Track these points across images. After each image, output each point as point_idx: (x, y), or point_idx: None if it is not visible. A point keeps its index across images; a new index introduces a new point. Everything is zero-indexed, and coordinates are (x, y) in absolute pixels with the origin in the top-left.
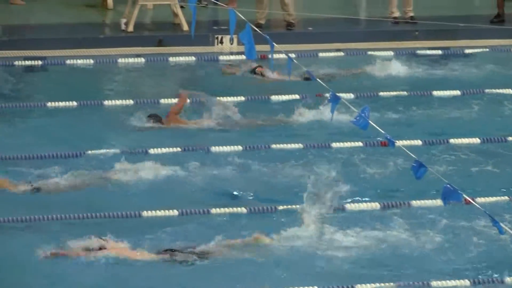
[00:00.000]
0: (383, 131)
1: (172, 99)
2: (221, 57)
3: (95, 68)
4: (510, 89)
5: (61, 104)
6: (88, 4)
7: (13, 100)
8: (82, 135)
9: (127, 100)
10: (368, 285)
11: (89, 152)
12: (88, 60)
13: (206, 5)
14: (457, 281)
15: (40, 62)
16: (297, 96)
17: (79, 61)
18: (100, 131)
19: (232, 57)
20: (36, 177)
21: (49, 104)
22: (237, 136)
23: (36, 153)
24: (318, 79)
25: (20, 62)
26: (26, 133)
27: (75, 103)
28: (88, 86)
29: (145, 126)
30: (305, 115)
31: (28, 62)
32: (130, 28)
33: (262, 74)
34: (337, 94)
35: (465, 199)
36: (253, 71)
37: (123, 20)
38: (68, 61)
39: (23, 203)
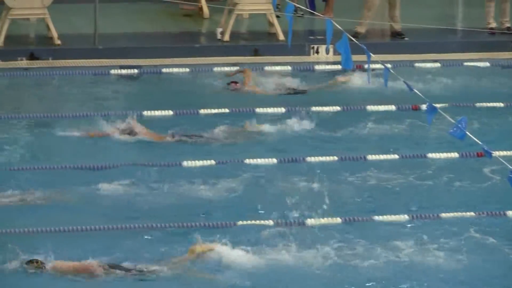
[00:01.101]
0: (479, 142)
1: (273, 108)
2: (316, 67)
3: (191, 77)
4: None
5: (157, 113)
6: (185, 13)
7: (108, 109)
8: (176, 143)
9: (223, 109)
10: None
11: (185, 163)
12: (184, 69)
13: (302, 14)
14: None
15: (136, 71)
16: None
17: (175, 70)
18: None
19: (328, 67)
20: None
21: (145, 113)
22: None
23: (136, 161)
24: (415, 90)
25: (116, 70)
26: (121, 141)
27: (171, 112)
28: (183, 95)
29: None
30: (395, 127)
31: (124, 71)
32: (226, 37)
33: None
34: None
35: None
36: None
37: (219, 29)
38: (164, 70)
39: None
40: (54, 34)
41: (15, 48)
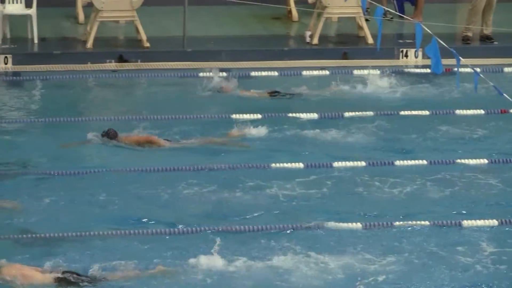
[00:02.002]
0: None
1: (356, 112)
2: (406, 71)
3: (279, 80)
4: None
5: (246, 116)
6: (273, 16)
7: (196, 112)
8: (270, 147)
9: (312, 114)
10: None
11: (274, 165)
12: (272, 72)
13: (392, 18)
14: None
15: (224, 74)
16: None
17: (264, 73)
18: (288, 144)
19: (418, 71)
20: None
21: (233, 116)
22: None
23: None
24: (505, 95)
25: (205, 73)
26: (212, 144)
27: (259, 116)
28: (271, 98)
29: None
30: (484, 131)
31: (212, 74)
32: (315, 40)
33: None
34: None
35: None
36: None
37: (308, 33)
38: (252, 73)
39: None
40: (143, 36)
41: (104, 51)
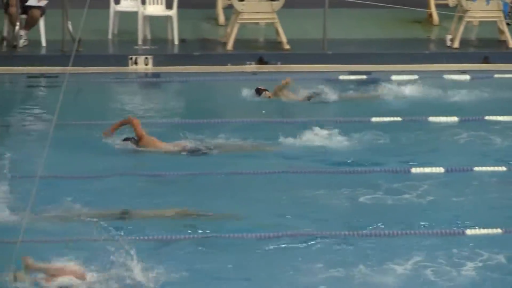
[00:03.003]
0: None
1: (496, 116)
2: None
3: (420, 83)
4: None
5: (386, 119)
6: (414, 19)
7: (331, 114)
8: (409, 151)
9: (452, 118)
10: None
11: (413, 169)
12: (412, 75)
13: None
14: None
15: (365, 77)
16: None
17: (404, 77)
18: (427, 148)
19: None
20: None
21: (373, 119)
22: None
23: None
24: None
25: (344, 76)
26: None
27: (399, 118)
28: (412, 101)
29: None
30: None
31: (353, 77)
32: (456, 44)
33: (268, 96)
34: None
35: None
36: (258, 93)
37: (449, 36)
38: (393, 77)
39: None
40: (283, 38)
41: (244, 52)
